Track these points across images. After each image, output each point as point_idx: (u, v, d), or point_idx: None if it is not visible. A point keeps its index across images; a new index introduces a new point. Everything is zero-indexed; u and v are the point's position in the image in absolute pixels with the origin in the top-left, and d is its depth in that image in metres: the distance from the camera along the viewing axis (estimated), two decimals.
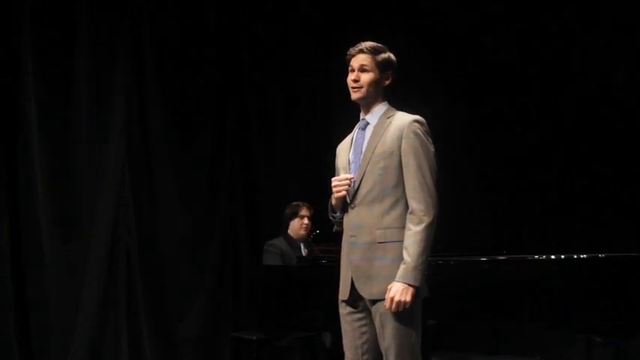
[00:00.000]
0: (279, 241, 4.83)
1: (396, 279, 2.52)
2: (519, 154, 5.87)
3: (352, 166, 2.72)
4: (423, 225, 2.54)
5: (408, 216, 2.58)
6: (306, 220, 4.86)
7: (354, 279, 2.64)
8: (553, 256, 3.46)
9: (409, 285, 2.51)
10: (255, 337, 4.54)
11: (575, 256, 3.40)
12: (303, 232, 4.88)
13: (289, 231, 4.89)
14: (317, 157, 5.59)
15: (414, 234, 2.54)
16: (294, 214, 4.87)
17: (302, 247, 4.90)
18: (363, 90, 2.70)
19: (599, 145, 5.34)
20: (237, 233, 5.71)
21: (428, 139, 2.65)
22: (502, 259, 3.79)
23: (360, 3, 6.24)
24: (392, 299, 2.50)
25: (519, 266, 3.60)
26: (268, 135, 5.97)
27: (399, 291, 2.50)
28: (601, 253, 3.40)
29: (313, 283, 3.99)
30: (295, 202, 4.92)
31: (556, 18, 5.65)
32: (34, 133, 4.59)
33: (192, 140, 5.55)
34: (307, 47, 6.12)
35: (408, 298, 2.50)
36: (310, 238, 4.96)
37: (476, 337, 5.89)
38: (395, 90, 2.78)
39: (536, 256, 3.54)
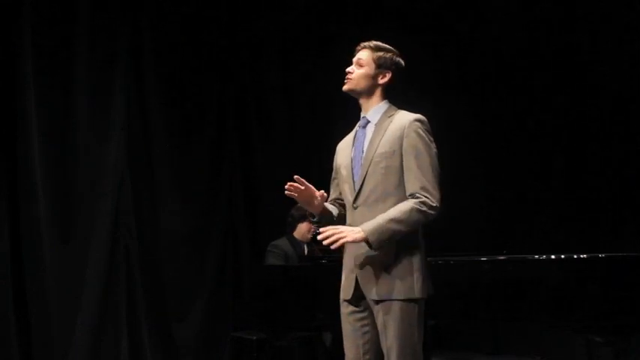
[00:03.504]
0: (282, 242, 4.82)
1: (361, 228, 2.52)
2: (521, 154, 5.87)
3: (354, 164, 2.72)
4: (423, 208, 2.52)
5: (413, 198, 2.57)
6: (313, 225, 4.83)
7: (359, 279, 2.63)
8: (553, 256, 3.46)
9: (364, 235, 2.50)
10: (255, 337, 4.54)
11: (575, 256, 3.40)
12: (310, 237, 4.86)
13: (295, 233, 4.87)
14: (317, 156, 5.60)
15: (409, 206, 2.53)
16: (304, 218, 4.81)
17: (305, 247, 4.90)
18: (353, 82, 2.73)
19: (600, 145, 5.33)
20: (237, 233, 5.71)
21: (429, 138, 2.63)
22: (502, 259, 3.79)
23: (360, 1, 6.26)
24: (338, 232, 2.51)
25: (519, 266, 3.60)
26: (268, 134, 5.97)
27: (351, 231, 2.51)
28: (601, 253, 3.40)
29: (314, 282, 4.00)
30: (300, 205, 4.85)
31: (557, 14, 5.66)
32: (34, 132, 4.59)
33: (192, 140, 5.55)
34: (308, 48, 6.12)
35: (349, 238, 2.50)
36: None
37: (476, 337, 5.89)
38: (396, 88, 2.78)
39: (536, 256, 3.54)
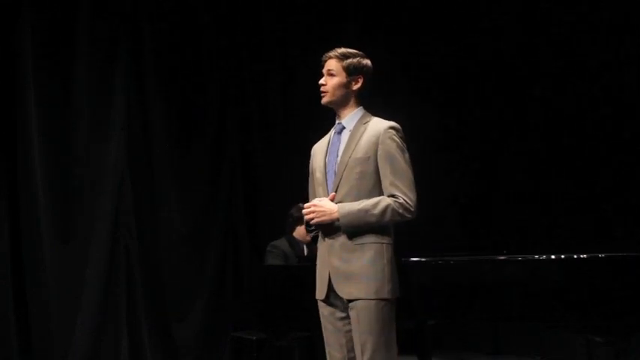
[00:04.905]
0: (281, 242, 4.80)
1: (338, 207, 2.65)
2: (521, 153, 5.87)
3: (328, 168, 2.79)
4: (400, 210, 2.63)
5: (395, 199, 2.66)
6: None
7: (332, 280, 2.70)
8: (553, 256, 3.46)
9: (338, 217, 2.64)
10: (255, 337, 4.53)
11: (575, 256, 3.40)
12: (309, 239, 4.84)
13: (294, 233, 4.85)
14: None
15: (386, 203, 2.63)
16: (301, 220, 4.76)
17: (304, 248, 4.88)
18: (329, 94, 2.80)
19: (596, 145, 5.33)
20: (237, 233, 5.70)
21: (403, 145, 2.72)
22: (502, 259, 3.79)
23: (361, 5, 6.27)
24: (316, 212, 2.67)
25: (519, 266, 3.59)
26: (268, 134, 5.96)
27: (327, 210, 2.65)
28: (601, 253, 3.40)
29: (314, 282, 3.99)
30: (301, 205, 4.78)
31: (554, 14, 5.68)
32: (34, 132, 4.60)
33: (192, 140, 5.55)
34: (308, 48, 6.11)
35: (325, 220, 2.66)
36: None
37: (476, 337, 5.89)
38: (371, 92, 2.84)
39: (536, 256, 3.54)
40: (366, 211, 2.62)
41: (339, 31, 5.91)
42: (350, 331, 2.69)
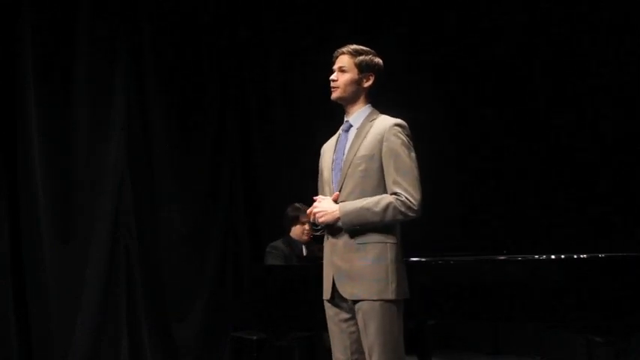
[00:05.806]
0: (280, 244, 4.80)
1: (339, 206, 2.63)
2: (516, 153, 5.87)
3: (334, 166, 2.77)
4: (402, 208, 2.58)
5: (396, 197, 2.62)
6: (307, 226, 4.80)
7: (335, 280, 2.67)
8: (553, 256, 3.46)
9: (339, 215, 2.62)
10: (255, 337, 4.54)
11: (575, 256, 3.40)
12: (305, 238, 4.84)
13: (291, 233, 4.86)
14: (317, 155, 5.59)
15: (388, 201, 2.59)
16: (296, 220, 4.80)
17: (303, 248, 4.89)
18: (340, 90, 2.77)
19: (596, 145, 5.33)
20: (237, 233, 5.70)
21: (409, 142, 2.68)
22: (502, 259, 3.79)
23: (361, 4, 6.27)
24: (317, 212, 2.67)
25: (519, 266, 3.60)
26: (269, 133, 5.97)
27: (328, 210, 2.64)
28: (601, 253, 3.40)
29: (314, 282, 3.99)
30: (297, 205, 4.81)
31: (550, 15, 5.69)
32: (34, 132, 4.59)
33: (192, 140, 5.55)
34: (308, 48, 6.12)
35: (326, 219, 2.65)
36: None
37: (476, 337, 5.90)
38: (377, 92, 2.83)
39: (536, 256, 3.54)
40: (367, 210, 2.59)
41: (339, 31, 5.91)
42: (354, 332, 2.66)
